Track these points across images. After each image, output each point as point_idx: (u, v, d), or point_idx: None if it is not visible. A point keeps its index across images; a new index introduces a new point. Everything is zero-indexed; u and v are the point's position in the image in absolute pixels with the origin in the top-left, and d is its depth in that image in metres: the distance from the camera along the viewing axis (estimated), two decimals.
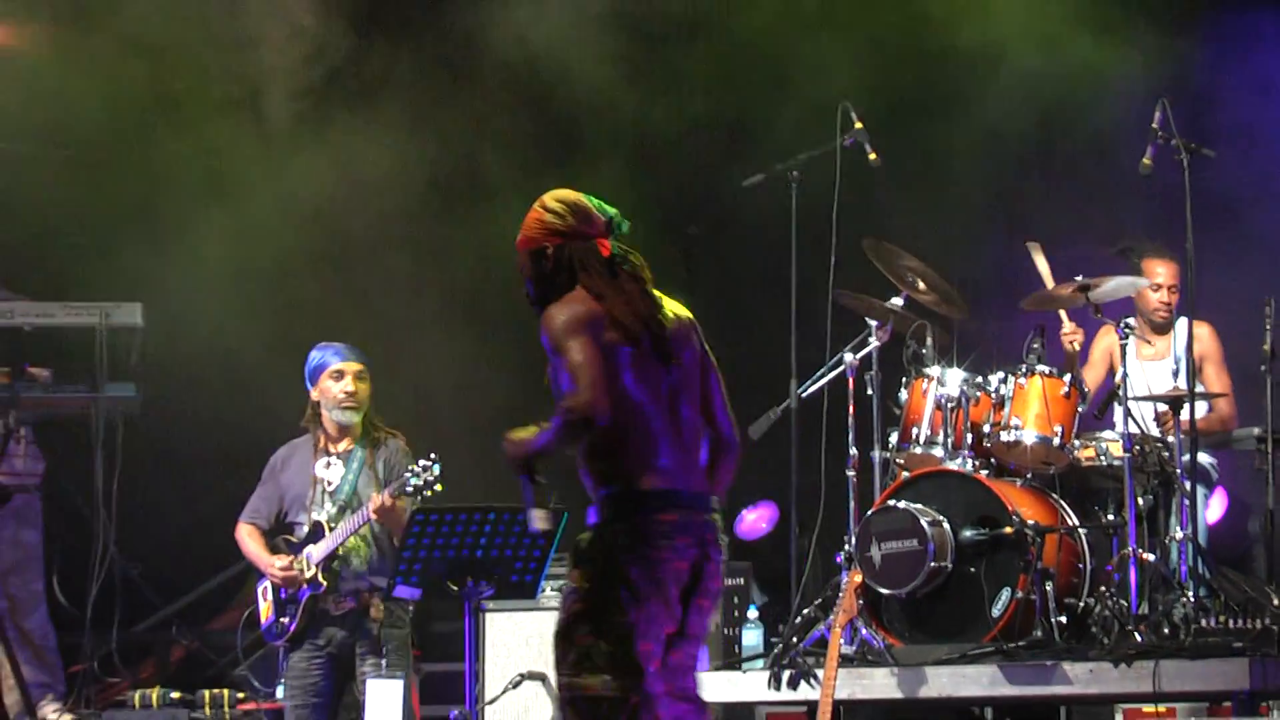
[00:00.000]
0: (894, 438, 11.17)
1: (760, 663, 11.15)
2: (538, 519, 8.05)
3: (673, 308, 8.22)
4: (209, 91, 13.73)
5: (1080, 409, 11.09)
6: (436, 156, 13.68)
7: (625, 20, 13.48)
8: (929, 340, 11.19)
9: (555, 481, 7.95)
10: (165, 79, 13.68)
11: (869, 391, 11.21)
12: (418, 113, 13.65)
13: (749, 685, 11.08)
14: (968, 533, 10.70)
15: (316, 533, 10.90)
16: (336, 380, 10.99)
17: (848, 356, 11.27)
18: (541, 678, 11.29)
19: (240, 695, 12.06)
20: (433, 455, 10.74)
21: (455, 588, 10.34)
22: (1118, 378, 11.01)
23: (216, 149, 13.68)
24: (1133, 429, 10.87)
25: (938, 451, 11.01)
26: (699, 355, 8.23)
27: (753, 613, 11.60)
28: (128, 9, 13.49)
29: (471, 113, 13.95)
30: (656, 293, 8.22)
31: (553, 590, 11.22)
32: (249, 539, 10.95)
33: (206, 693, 12.01)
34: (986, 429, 10.99)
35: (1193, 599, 10.61)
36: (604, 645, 7.94)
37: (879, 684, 10.68)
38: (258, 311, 13.43)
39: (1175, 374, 11.38)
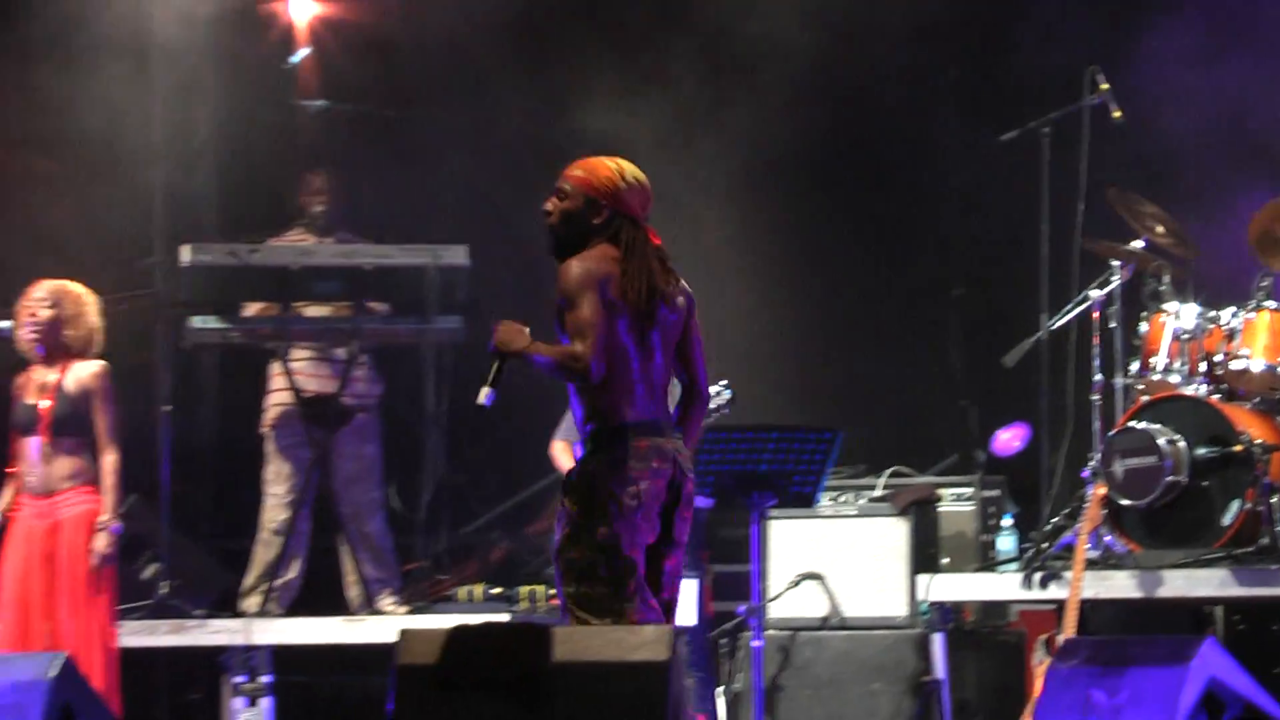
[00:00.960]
0: (1134, 366, 11.16)
1: (1014, 566, 11.19)
2: (483, 395, 8.30)
3: (677, 282, 8.41)
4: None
5: None
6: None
7: None
8: (1166, 278, 11.15)
9: None
10: None
11: (1111, 325, 11.25)
12: None
13: (1004, 586, 11.16)
14: (1200, 450, 10.72)
15: None
16: None
17: (1093, 293, 11.30)
18: (818, 577, 11.33)
19: (551, 591, 11.96)
20: (724, 381, 10.88)
21: (743, 498, 10.58)
22: None
23: None
24: None
25: (1174, 378, 10.99)
26: (684, 317, 8.40)
27: (1007, 521, 11.60)
28: None
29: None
30: (666, 267, 8.38)
31: (829, 501, 11.35)
32: (561, 454, 11.19)
33: (522, 588, 12.13)
34: (1218, 358, 10.95)
35: None
36: (595, 555, 8.21)
37: (1120, 585, 10.74)
38: None
39: None
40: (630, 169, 8.37)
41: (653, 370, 8.34)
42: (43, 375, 10.88)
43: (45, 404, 10.80)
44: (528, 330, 8.31)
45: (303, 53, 14.08)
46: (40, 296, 10.90)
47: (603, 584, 8.22)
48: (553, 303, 8.23)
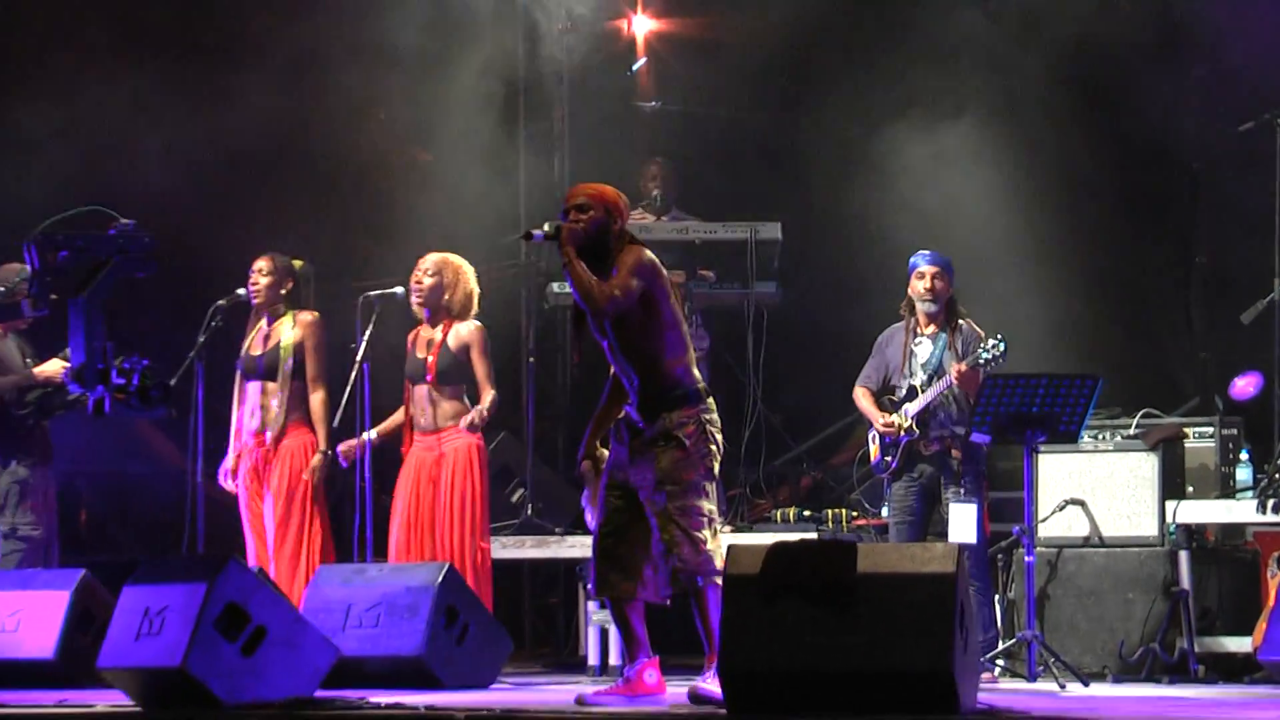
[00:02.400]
0: None
1: (1250, 494, 11.11)
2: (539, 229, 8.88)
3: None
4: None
5: None
6: None
7: None
8: None
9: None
10: None
11: None
12: None
13: (1241, 510, 11.11)
14: None
15: (911, 393, 11.02)
16: (920, 280, 11.07)
17: None
18: (1081, 503, 11.25)
19: (854, 514, 12.19)
20: (999, 335, 10.84)
21: (1016, 435, 10.63)
22: None
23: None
24: None
25: None
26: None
27: (1243, 456, 11.44)
28: None
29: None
30: None
31: (1090, 437, 11.25)
32: (862, 398, 11.14)
33: (829, 511, 12.16)
34: None
35: None
36: (702, 480, 8.69)
37: None
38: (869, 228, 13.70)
39: None
40: (621, 195, 8.92)
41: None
42: (429, 333, 10.99)
43: (431, 358, 10.93)
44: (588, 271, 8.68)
45: (641, 61, 14.30)
46: (426, 267, 10.99)
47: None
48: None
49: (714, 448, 8.80)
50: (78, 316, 10.06)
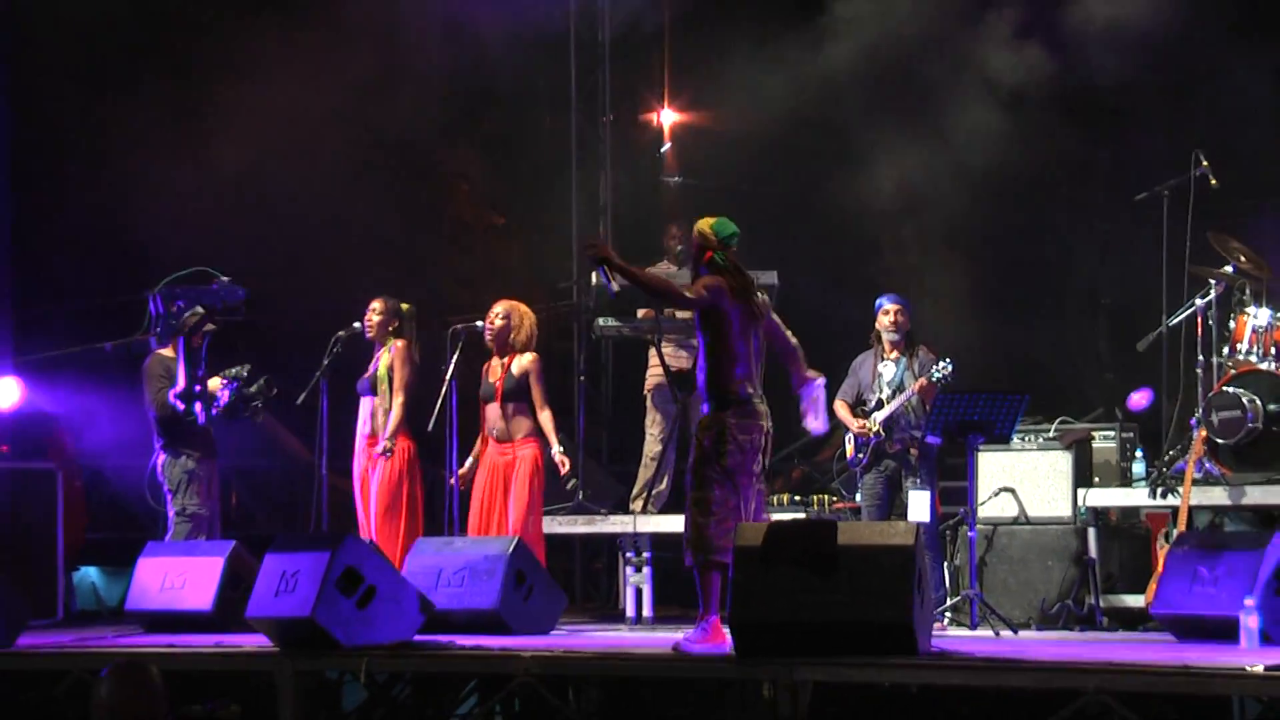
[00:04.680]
0: (1225, 350, 10.92)
1: (1143, 483, 11.05)
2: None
3: (761, 295, 8.73)
4: None
5: None
6: None
7: None
8: (1248, 291, 10.90)
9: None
10: None
11: (1210, 322, 10.96)
12: None
13: (1137, 496, 11.01)
14: (1271, 406, 10.51)
15: (879, 405, 10.99)
16: (885, 315, 11.07)
17: (1198, 301, 11.00)
18: (1011, 490, 11.14)
19: (835, 499, 12.08)
20: (948, 358, 10.84)
21: (961, 437, 10.58)
22: None
23: None
24: None
25: (1253, 358, 10.75)
26: (767, 318, 8.73)
27: (1139, 454, 11.36)
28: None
29: None
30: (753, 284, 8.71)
31: (1019, 439, 11.09)
32: (840, 408, 11.04)
33: (815, 497, 12.06)
34: None
35: None
36: (720, 476, 8.42)
37: (1215, 495, 10.58)
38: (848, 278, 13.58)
39: None
40: (713, 221, 8.77)
41: (752, 355, 8.64)
42: (498, 363, 10.96)
43: (498, 384, 10.85)
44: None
45: (667, 146, 14.33)
46: (497, 311, 10.96)
47: (720, 492, 8.47)
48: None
49: (731, 448, 8.53)
50: (183, 351, 10.44)
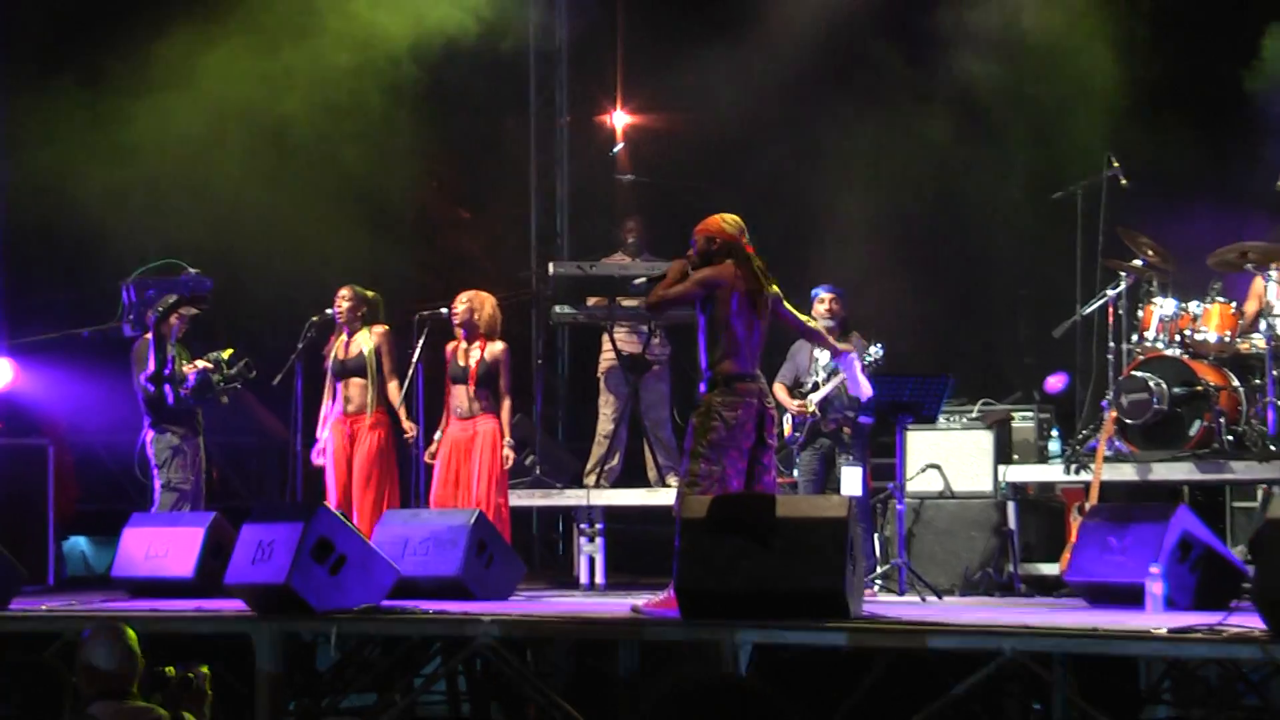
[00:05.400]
0: (1135, 337, 10.98)
1: (1059, 460, 11.12)
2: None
3: (772, 286, 8.63)
4: None
5: (1241, 323, 10.79)
6: None
7: None
8: (1155, 283, 10.97)
9: None
10: None
11: (1120, 312, 11.03)
12: None
13: (1053, 473, 11.09)
14: (1176, 389, 10.57)
15: (814, 387, 10.99)
16: (821, 304, 11.06)
17: (1109, 292, 11.08)
18: (938, 466, 11.16)
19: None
20: (880, 344, 10.87)
21: (892, 417, 10.63)
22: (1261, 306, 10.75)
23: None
24: (1277, 332, 10.56)
25: (1160, 345, 10.82)
26: (776, 308, 8.67)
27: (1054, 433, 11.44)
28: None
29: None
30: (765, 275, 8.63)
31: (945, 419, 11.15)
32: (780, 391, 10.99)
33: None
34: (1187, 332, 10.76)
35: None
36: (706, 450, 8.40)
37: (1124, 472, 10.64)
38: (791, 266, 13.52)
39: None
40: (729, 217, 8.75)
41: (754, 343, 8.59)
42: (466, 347, 10.92)
43: (473, 368, 10.82)
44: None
45: (619, 146, 14.32)
46: (462, 299, 10.96)
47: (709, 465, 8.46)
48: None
49: (717, 424, 8.50)
50: (154, 337, 10.48)
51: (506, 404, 10.85)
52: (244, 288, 12.46)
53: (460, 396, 10.89)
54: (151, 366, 10.78)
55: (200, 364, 11.01)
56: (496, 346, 10.89)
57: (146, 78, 12.61)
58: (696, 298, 8.62)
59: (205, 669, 5.35)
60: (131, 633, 5.71)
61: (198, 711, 5.32)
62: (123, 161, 12.48)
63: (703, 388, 8.65)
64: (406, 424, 10.96)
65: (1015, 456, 11.36)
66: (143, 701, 5.42)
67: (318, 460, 11.18)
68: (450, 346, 11.03)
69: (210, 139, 12.87)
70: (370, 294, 11.25)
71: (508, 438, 10.82)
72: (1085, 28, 12.77)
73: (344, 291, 11.21)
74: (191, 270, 10.81)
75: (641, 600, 8.88)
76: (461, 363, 10.92)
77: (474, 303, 10.94)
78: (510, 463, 10.86)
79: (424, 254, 14.00)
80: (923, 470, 11.22)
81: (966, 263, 13.76)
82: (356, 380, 11.07)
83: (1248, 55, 12.29)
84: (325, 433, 11.16)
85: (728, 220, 8.77)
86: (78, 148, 12.57)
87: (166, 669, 5.31)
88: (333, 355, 11.20)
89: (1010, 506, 11.04)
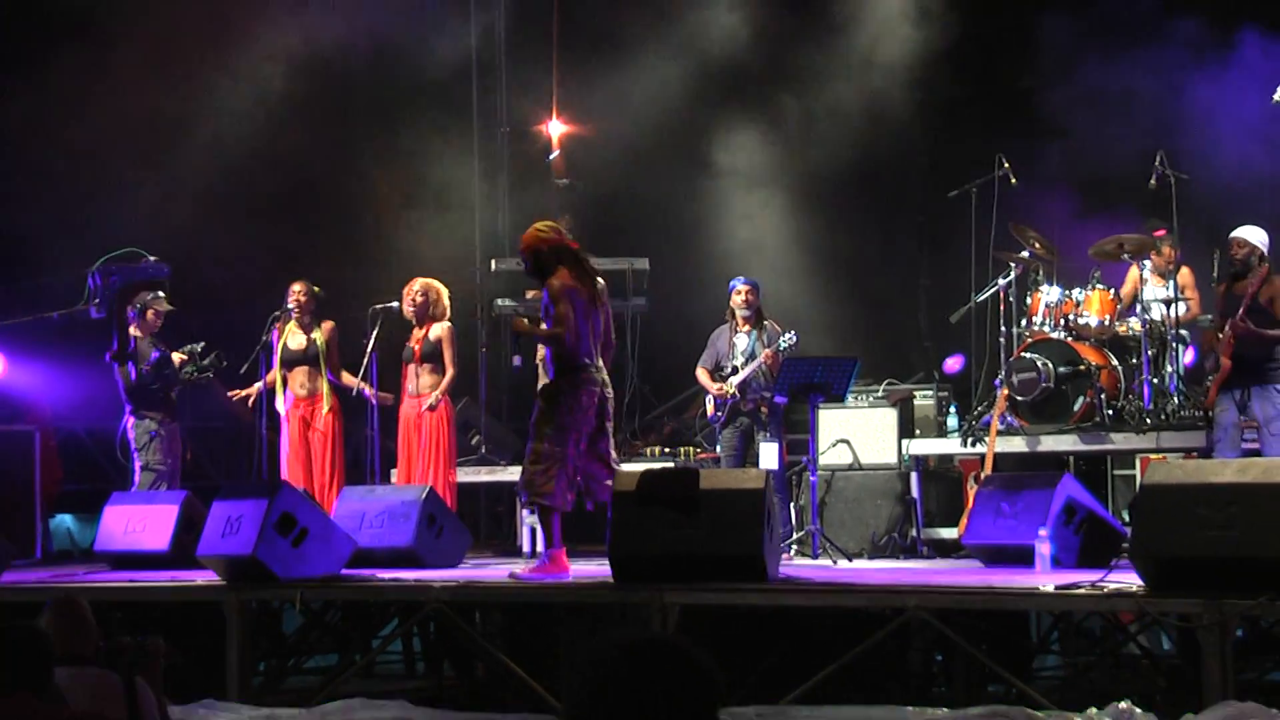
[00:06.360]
0: (1024, 322, 11.02)
1: (956, 434, 11.11)
2: (515, 360, 9.37)
3: (600, 280, 8.59)
4: None
5: (1119, 307, 10.88)
6: None
7: None
8: (1041, 272, 11.04)
9: None
10: None
11: (1010, 298, 11.07)
12: None
13: (951, 445, 11.12)
14: (1061, 368, 10.62)
15: (734, 371, 11.02)
16: (738, 295, 11.08)
17: (1001, 281, 11.10)
18: (847, 441, 11.11)
19: (698, 451, 12.10)
20: (793, 331, 10.93)
21: (804, 397, 10.63)
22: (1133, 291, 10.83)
23: None
24: (1151, 316, 10.67)
25: (1046, 329, 10.86)
26: (606, 304, 8.57)
27: (953, 409, 11.42)
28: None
29: None
30: (593, 269, 8.59)
31: (853, 398, 11.17)
32: (701, 375, 11.13)
33: (682, 449, 12.11)
34: (1070, 317, 10.81)
35: (1178, 404, 10.51)
36: (551, 432, 8.36)
37: (1015, 444, 10.69)
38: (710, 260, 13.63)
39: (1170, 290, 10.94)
40: (540, 225, 8.63)
41: (595, 335, 8.51)
42: (417, 333, 10.90)
43: (417, 347, 10.82)
44: (527, 321, 8.72)
45: (555, 153, 14.28)
46: (416, 289, 10.91)
47: (551, 446, 8.43)
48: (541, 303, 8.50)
49: (563, 408, 8.45)
50: (115, 317, 10.45)
51: (451, 373, 10.80)
52: (218, 284, 12.38)
53: (411, 375, 10.89)
54: (115, 344, 10.75)
55: (177, 356, 11.01)
56: (441, 326, 10.86)
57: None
58: (573, 309, 8.46)
59: (159, 639, 5.33)
60: (85, 604, 5.71)
61: (152, 678, 5.30)
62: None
63: (550, 373, 8.58)
64: (370, 391, 10.85)
65: (917, 431, 11.39)
66: (99, 668, 5.40)
67: (241, 393, 11.06)
68: (407, 337, 11.00)
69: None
70: (316, 289, 11.17)
71: (437, 395, 10.68)
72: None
73: (298, 286, 11.11)
74: (151, 258, 10.82)
75: (518, 568, 8.94)
76: (411, 344, 10.93)
77: (429, 292, 10.93)
78: (438, 403, 10.72)
79: (377, 251, 13.91)
80: (833, 445, 11.21)
81: (871, 256, 13.82)
82: (307, 369, 10.98)
83: None
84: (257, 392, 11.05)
85: (542, 229, 8.66)
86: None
87: (123, 639, 5.29)
88: (283, 344, 11.10)
89: (913, 477, 11.06)
